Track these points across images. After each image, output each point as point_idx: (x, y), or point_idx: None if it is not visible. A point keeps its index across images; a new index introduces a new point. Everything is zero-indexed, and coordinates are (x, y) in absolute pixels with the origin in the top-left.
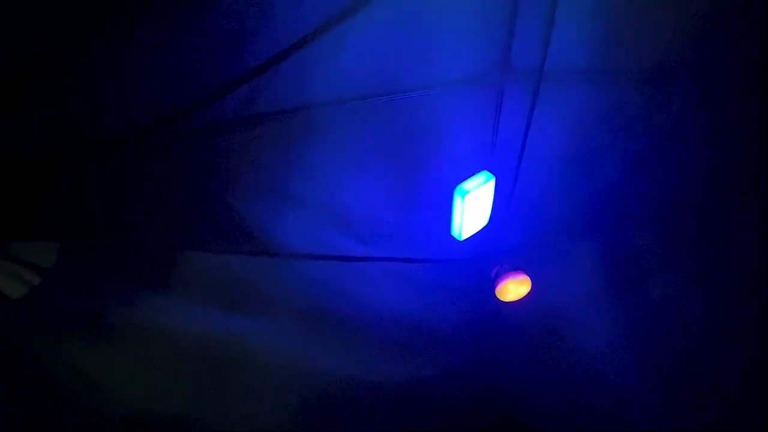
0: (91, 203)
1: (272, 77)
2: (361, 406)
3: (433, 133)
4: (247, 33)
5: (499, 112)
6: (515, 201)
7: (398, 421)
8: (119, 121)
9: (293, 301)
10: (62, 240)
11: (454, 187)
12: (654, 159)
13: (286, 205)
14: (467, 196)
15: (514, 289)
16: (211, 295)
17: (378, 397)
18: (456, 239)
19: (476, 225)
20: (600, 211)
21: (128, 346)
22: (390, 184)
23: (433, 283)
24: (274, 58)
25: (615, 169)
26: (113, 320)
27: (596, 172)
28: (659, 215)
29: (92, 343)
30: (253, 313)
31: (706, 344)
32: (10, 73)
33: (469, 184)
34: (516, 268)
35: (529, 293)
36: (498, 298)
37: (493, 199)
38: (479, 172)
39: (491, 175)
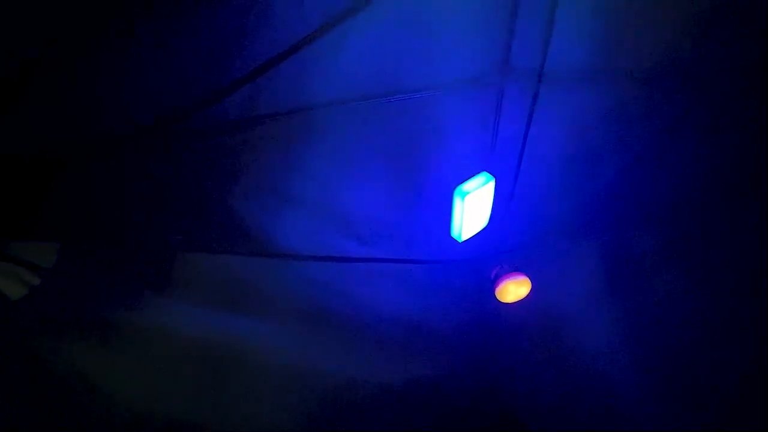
0: (91, 203)
1: (273, 78)
2: (361, 406)
3: (433, 134)
4: (247, 33)
5: (499, 112)
6: (515, 202)
7: (398, 421)
8: (119, 121)
9: (293, 302)
10: (62, 240)
11: (454, 188)
12: (654, 159)
13: (287, 205)
14: (467, 197)
15: (514, 290)
16: (211, 296)
17: (378, 398)
18: (456, 240)
19: (476, 226)
20: (600, 212)
21: (128, 346)
22: (390, 185)
23: (433, 284)
24: (274, 59)
25: (615, 170)
26: (113, 320)
27: (596, 173)
28: (659, 215)
29: (92, 343)
30: (253, 314)
31: (706, 344)
32: (10, 73)
33: (469, 185)
34: (516, 269)
35: (528, 294)
36: (498, 299)
37: (493, 200)
38: (479, 173)
39: (491, 176)
